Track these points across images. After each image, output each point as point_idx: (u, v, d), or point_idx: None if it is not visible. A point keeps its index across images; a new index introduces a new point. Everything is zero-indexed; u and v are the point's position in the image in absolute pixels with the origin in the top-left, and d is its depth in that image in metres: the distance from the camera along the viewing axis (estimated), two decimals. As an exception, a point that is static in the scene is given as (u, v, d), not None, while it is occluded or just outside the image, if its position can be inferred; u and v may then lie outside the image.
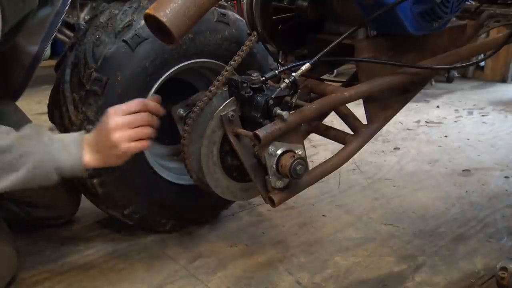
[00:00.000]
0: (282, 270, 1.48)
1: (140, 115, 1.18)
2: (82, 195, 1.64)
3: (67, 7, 1.42)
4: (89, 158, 1.17)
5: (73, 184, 1.55)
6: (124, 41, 1.37)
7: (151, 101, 1.22)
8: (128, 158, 1.20)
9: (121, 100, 1.39)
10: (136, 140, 1.18)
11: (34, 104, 2.70)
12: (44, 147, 1.11)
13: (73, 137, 1.17)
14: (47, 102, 1.55)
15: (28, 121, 1.59)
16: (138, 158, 1.49)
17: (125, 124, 1.15)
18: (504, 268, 1.19)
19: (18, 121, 1.48)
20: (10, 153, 1.08)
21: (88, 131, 1.24)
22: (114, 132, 1.15)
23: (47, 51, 1.56)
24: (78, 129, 1.39)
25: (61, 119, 1.45)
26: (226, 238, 1.66)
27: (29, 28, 1.20)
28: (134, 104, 1.19)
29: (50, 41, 1.46)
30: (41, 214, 1.62)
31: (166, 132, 1.63)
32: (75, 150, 1.15)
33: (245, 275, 1.46)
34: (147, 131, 1.19)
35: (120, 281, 1.42)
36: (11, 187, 1.11)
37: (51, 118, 1.52)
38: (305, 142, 1.29)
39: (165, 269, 1.48)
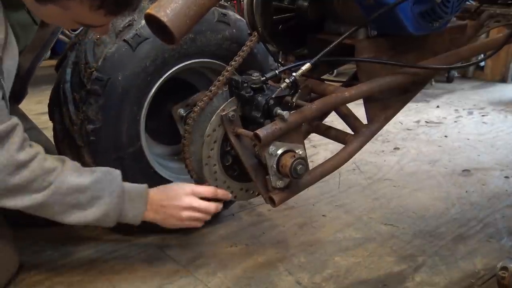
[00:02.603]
0: (282, 270, 1.48)
1: (211, 205, 1.30)
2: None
3: (62, 28, 1.46)
4: (148, 214, 1.27)
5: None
6: (124, 40, 1.37)
7: (221, 191, 1.31)
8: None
9: (121, 100, 1.40)
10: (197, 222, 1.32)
11: (34, 104, 2.70)
12: (115, 199, 1.20)
13: (139, 191, 1.26)
14: (47, 102, 1.55)
15: (33, 126, 1.61)
16: (139, 157, 1.49)
17: (196, 208, 1.29)
18: (504, 268, 1.19)
19: (25, 127, 1.52)
20: (85, 195, 1.16)
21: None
22: (186, 210, 1.28)
23: (48, 52, 1.58)
24: (79, 129, 1.39)
25: (61, 119, 1.45)
26: (226, 238, 1.66)
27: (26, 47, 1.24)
28: (211, 191, 1.29)
29: (44, 57, 1.50)
30: None
31: (167, 132, 1.64)
32: (140, 205, 1.25)
33: (245, 275, 1.46)
34: (208, 218, 1.33)
35: (120, 281, 1.42)
36: (75, 223, 1.20)
37: (52, 118, 1.52)
38: (305, 142, 1.29)
39: (165, 269, 1.48)
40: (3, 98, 1.11)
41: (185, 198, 1.27)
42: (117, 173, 1.24)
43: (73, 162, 1.19)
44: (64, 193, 1.13)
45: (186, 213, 1.27)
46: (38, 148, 1.15)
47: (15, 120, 1.12)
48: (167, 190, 1.29)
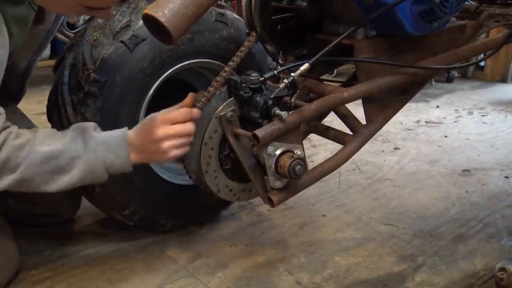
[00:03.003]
0: (282, 270, 1.48)
1: (187, 126, 1.22)
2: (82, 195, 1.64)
3: (58, 25, 1.46)
4: (134, 156, 1.23)
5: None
6: (122, 42, 1.37)
7: (195, 110, 1.26)
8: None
9: (119, 101, 1.40)
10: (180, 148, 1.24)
11: (34, 104, 2.70)
12: (92, 153, 1.18)
13: (117, 138, 1.22)
14: (47, 102, 1.55)
15: (31, 126, 1.61)
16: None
17: (174, 135, 1.21)
18: (503, 269, 1.19)
19: (23, 127, 1.53)
20: (61, 158, 1.15)
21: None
22: (164, 141, 1.21)
23: (47, 51, 1.59)
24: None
25: (59, 120, 1.45)
26: (226, 238, 1.66)
27: (22, 46, 1.24)
28: (182, 114, 1.23)
29: (40, 56, 1.50)
30: (41, 211, 1.62)
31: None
32: (122, 151, 1.21)
33: (245, 275, 1.46)
34: (190, 140, 1.24)
35: (120, 281, 1.42)
36: (63, 188, 1.18)
37: (50, 120, 1.52)
38: (305, 142, 1.29)
39: (165, 269, 1.48)
40: None
41: (159, 130, 1.21)
42: (90, 126, 1.21)
43: (46, 130, 1.18)
44: (40, 163, 1.12)
45: (166, 144, 1.21)
46: (11, 128, 1.14)
47: None
48: (142, 127, 1.24)
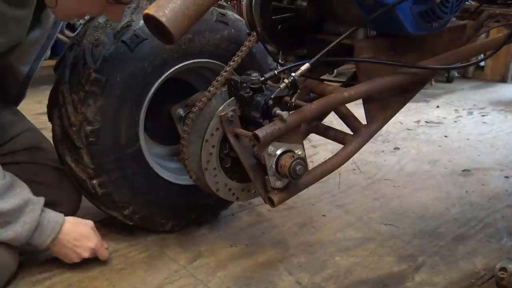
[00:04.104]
0: (282, 270, 1.48)
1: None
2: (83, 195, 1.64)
3: (59, 30, 1.46)
4: (52, 247, 1.39)
5: (73, 184, 1.56)
6: (123, 41, 1.37)
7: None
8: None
9: (120, 101, 1.40)
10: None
11: (34, 104, 2.70)
12: (25, 231, 1.30)
13: (52, 227, 1.36)
14: (47, 102, 1.55)
15: (31, 128, 1.62)
16: (138, 158, 1.49)
17: (93, 250, 1.44)
18: (503, 269, 1.19)
19: (22, 129, 1.60)
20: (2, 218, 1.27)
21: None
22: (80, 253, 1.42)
23: (48, 52, 1.59)
24: (78, 130, 1.39)
25: (60, 120, 1.45)
26: (226, 238, 1.66)
27: (20, 50, 1.24)
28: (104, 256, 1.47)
29: (42, 61, 1.51)
30: None
31: (166, 132, 1.64)
32: (46, 239, 1.35)
33: (245, 275, 1.46)
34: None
35: (120, 281, 1.42)
36: None
37: (50, 119, 1.52)
38: (305, 142, 1.29)
39: (165, 269, 1.48)
40: None
41: (86, 251, 1.42)
42: (39, 204, 1.33)
43: (1, 184, 1.26)
44: None
45: (75, 257, 1.42)
46: None
47: None
48: (77, 231, 1.41)
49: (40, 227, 1.33)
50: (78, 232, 1.41)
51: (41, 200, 1.35)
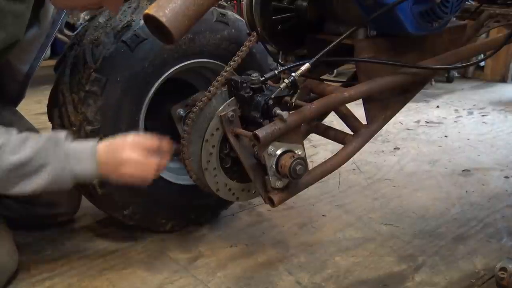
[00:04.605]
0: (282, 270, 1.48)
1: (150, 161, 1.25)
2: (83, 195, 1.64)
3: (58, 28, 1.46)
4: (100, 171, 1.24)
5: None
6: (123, 41, 1.37)
7: (165, 143, 1.30)
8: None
9: (120, 101, 1.40)
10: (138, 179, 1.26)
11: (34, 104, 2.70)
12: (61, 163, 1.19)
13: (86, 150, 1.23)
14: (47, 102, 1.55)
15: (30, 128, 1.62)
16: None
17: (138, 162, 1.23)
18: (503, 269, 1.19)
19: (21, 129, 1.53)
20: (29, 165, 1.16)
21: (101, 137, 1.31)
22: (124, 165, 1.23)
23: (48, 52, 1.58)
24: (77, 130, 1.39)
25: (60, 120, 1.45)
26: (226, 238, 1.66)
27: (19, 48, 1.24)
28: (151, 142, 1.26)
29: (41, 61, 1.50)
30: (41, 211, 1.62)
31: (166, 132, 1.64)
32: (89, 164, 1.22)
33: (245, 275, 1.46)
34: (150, 177, 1.26)
35: (120, 281, 1.42)
36: (28, 193, 1.19)
37: (51, 119, 1.52)
38: (305, 142, 1.29)
39: (165, 269, 1.48)
40: None
41: (125, 152, 1.23)
42: (61, 136, 1.22)
43: (19, 136, 1.18)
44: (8, 171, 1.13)
45: (124, 169, 1.23)
46: None
47: None
48: (111, 144, 1.25)
49: (74, 155, 1.21)
50: (112, 149, 1.25)
51: (62, 133, 1.24)
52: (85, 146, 1.24)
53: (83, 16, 3.53)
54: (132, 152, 1.23)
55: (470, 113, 3.24)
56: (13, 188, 1.17)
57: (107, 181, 1.43)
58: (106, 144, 1.25)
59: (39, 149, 1.17)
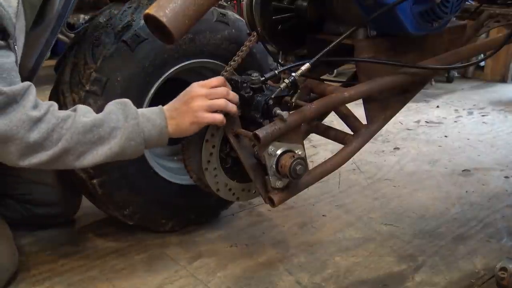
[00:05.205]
0: (282, 270, 1.48)
1: (219, 88, 1.21)
2: (83, 195, 1.64)
3: (62, 25, 1.45)
4: (170, 125, 1.20)
5: (73, 184, 1.56)
6: (123, 41, 1.37)
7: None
8: (200, 128, 1.23)
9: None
10: (212, 111, 1.20)
11: (34, 104, 2.71)
12: (132, 121, 1.16)
13: (154, 110, 1.21)
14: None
15: None
16: (138, 158, 1.49)
17: (205, 94, 1.19)
18: (504, 269, 1.19)
19: None
20: (102, 128, 1.14)
21: None
22: (194, 99, 1.20)
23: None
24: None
25: (61, 119, 1.45)
26: (226, 238, 1.66)
27: (25, 44, 1.24)
28: (215, 79, 1.23)
29: (46, 57, 1.49)
30: (41, 211, 1.62)
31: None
32: (159, 121, 1.19)
33: (245, 275, 1.46)
34: (223, 103, 1.20)
35: (120, 281, 1.42)
36: (103, 160, 1.16)
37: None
38: (305, 142, 1.29)
39: (165, 269, 1.48)
40: (16, 62, 1.12)
41: (192, 90, 1.21)
42: (127, 100, 1.21)
43: (84, 106, 1.18)
44: (83, 132, 1.12)
45: (196, 103, 1.20)
46: (50, 102, 1.15)
47: (27, 82, 1.13)
48: (178, 97, 1.24)
49: (143, 115, 1.18)
50: (177, 98, 1.23)
51: (127, 99, 1.21)
52: (152, 108, 1.22)
53: (83, 16, 3.53)
54: (198, 87, 1.21)
55: (470, 113, 3.24)
56: (87, 154, 1.14)
57: (108, 180, 1.44)
58: (171, 101, 1.24)
59: (109, 112, 1.16)
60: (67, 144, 1.11)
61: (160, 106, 1.22)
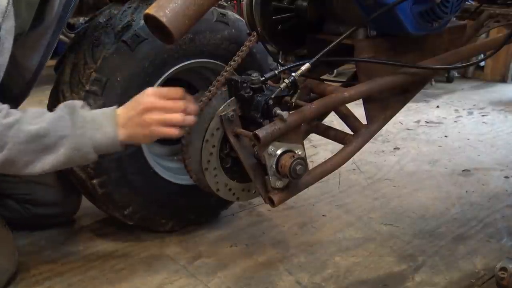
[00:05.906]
0: (282, 270, 1.48)
1: (176, 102, 1.17)
2: (83, 195, 1.64)
3: (63, 26, 1.45)
4: (121, 133, 1.16)
5: (73, 184, 1.56)
6: (123, 41, 1.37)
7: (189, 95, 1.22)
8: (154, 140, 1.20)
9: (120, 101, 1.39)
10: (167, 126, 1.17)
11: (34, 104, 2.70)
12: (79, 130, 1.13)
13: (105, 115, 1.17)
14: (48, 102, 1.55)
15: None
16: (138, 158, 1.49)
17: (161, 108, 1.15)
18: (503, 269, 1.19)
19: None
20: (48, 137, 1.10)
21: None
22: (150, 112, 1.15)
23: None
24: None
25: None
26: (226, 238, 1.66)
27: (26, 45, 1.23)
28: (173, 91, 1.18)
29: (48, 58, 1.49)
30: (41, 212, 1.62)
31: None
32: (109, 128, 1.15)
33: (245, 275, 1.46)
34: (180, 119, 1.17)
35: (120, 281, 1.42)
36: (52, 168, 1.14)
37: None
38: (305, 142, 1.29)
39: (165, 269, 1.48)
40: None
41: (145, 99, 1.15)
42: (78, 104, 1.16)
43: (34, 110, 1.13)
44: (27, 142, 1.09)
45: (149, 117, 1.14)
46: (1, 107, 1.11)
47: None
48: (130, 100, 1.19)
49: (92, 121, 1.15)
50: (129, 105, 1.17)
51: (77, 101, 1.18)
52: (103, 111, 1.18)
53: (83, 16, 3.53)
54: (155, 98, 1.15)
55: (470, 113, 3.24)
56: (34, 163, 1.12)
57: (108, 180, 1.44)
58: (125, 104, 1.19)
59: (56, 119, 1.12)
60: (10, 153, 1.08)
61: (114, 109, 1.18)
